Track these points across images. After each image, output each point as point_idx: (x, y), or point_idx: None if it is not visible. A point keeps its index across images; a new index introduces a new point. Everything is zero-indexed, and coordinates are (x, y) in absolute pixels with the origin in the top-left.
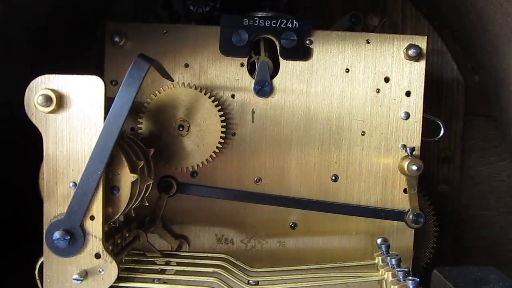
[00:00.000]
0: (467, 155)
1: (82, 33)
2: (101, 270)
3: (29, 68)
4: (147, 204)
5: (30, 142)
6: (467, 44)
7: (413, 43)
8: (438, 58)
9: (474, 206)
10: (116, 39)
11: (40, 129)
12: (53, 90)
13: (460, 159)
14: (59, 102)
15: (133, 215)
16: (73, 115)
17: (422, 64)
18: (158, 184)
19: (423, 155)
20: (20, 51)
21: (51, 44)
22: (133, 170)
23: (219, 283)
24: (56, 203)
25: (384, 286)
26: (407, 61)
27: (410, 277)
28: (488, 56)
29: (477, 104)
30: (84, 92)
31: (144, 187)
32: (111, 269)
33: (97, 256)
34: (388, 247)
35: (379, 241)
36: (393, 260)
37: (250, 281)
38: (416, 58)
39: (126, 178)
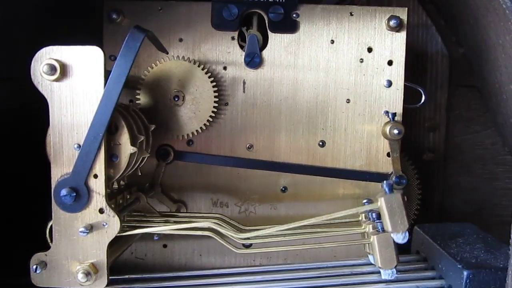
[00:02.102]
0: (452, 124)
1: (78, 10)
2: (104, 224)
3: (30, 46)
4: (140, 174)
5: (36, 112)
6: (451, 17)
7: (394, 14)
8: (423, 31)
9: (459, 173)
10: (114, 16)
11: (45, 96)
12: (57, 60)
13: (445, 128)
14: (62, 71)
15: (126, 182)
16: (76, 82)
17: (403, 35)
18: (156, 152)
19: (409, 125)
20: (20, 29)
21: (50, 21)
22: (133, 143)
23: (214, 226)
24: (62, 164)
25: (366, 237)
26: (389, 31)
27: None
28: (470, 28)
29: (461, 75)
30: (85, 61)
31: (140, 159)
32: (114, 223)
33: (101, 211)
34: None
35: (364, 201)
36: (374, 214)
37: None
38: (397, 28)
39: (126, 149)
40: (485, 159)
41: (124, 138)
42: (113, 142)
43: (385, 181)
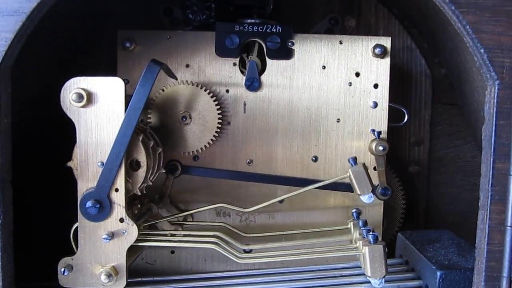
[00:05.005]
0: (435, 139)
1: (93, 36)
2: (124, 231)
3: (53, 68)
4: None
5: (58, 133)
6: (433, 41)
7: (379, 43)
8: (408, 54)
9: (443, 184)
10: (127, 44)
11: (73, 120)
12: (83, 89)
13: (429, 143)
14: (88, 98)
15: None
16: (100, 108)
17: (387, 61)
18: (166, 167)
19: (395, 141)
20: (47, 56)
21: (72, 46)
22: (140, 186)
23: (218, 241)
24: (87, 179)
25: (354, 242)
26: (374, 58)
27: (371, 233)
28: (450, 52)
29: (444, 94)
30: (108, 90)
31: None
32: (132, 231)
33: (121, 220)
34: (358, 214)
35: (353, 210)
36: (360, 222)
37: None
38: (382, 55)
39: (133, 188)
40: (466, 171)
41: (137, 181)
42: (129, 176)
43: (371, 234)
